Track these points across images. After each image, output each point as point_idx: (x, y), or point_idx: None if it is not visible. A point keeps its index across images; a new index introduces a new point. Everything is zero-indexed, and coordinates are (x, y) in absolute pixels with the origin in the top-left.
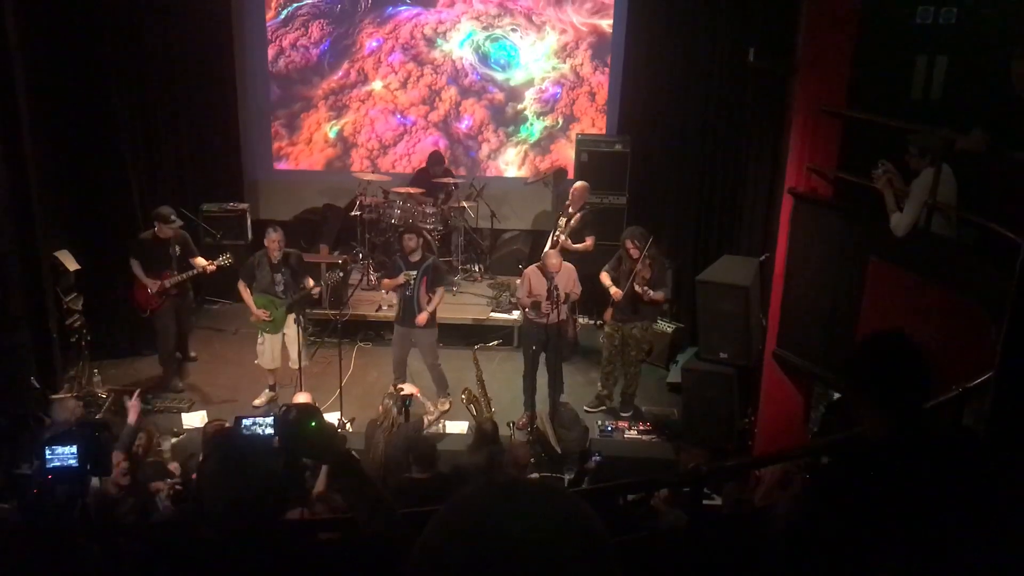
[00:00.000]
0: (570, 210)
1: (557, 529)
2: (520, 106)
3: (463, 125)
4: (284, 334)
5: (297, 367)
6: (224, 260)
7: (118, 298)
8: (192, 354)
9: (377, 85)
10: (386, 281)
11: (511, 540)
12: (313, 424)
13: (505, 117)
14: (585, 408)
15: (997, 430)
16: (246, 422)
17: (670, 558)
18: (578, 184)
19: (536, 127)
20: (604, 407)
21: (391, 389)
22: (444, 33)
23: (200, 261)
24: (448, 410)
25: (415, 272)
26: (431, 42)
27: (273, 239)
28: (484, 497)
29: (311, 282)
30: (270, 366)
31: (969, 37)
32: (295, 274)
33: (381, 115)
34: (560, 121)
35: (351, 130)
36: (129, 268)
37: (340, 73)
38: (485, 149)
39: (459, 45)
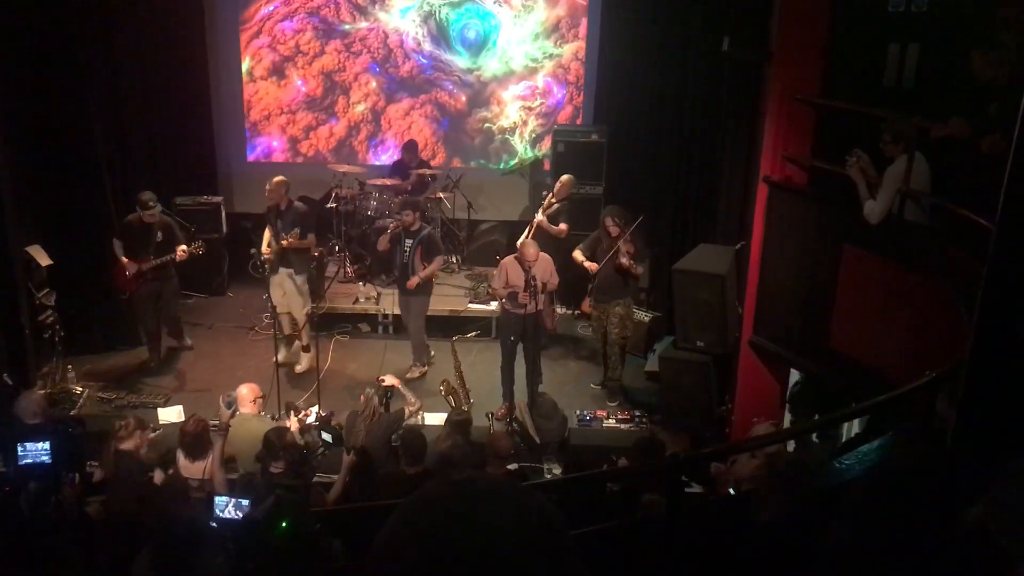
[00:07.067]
0: (552, 199)
1: (514, 525)
2: (499, 122)
3: (380, 160)
4: (281, 281)
5: (297, 316)
6: (196, 248)
7: (92, 293)
8: (188, 341)
9: (242, 68)
10: (382, 238)
11: (467, 537)
12: (284, 525)
13: (467, 140)
14: (592, 384)
15: (968, 415)
16: (219, 504)
17: (651, 545)
18: (564, 177)
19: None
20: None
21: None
22: None
23: (182, 249)
24: (424, 374)
25: (411, 241)
26: (361, 10)
27: (271, 190)
28: (440, 495)
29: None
30: (281, 309)
31: (941, 25)
32: (292, 224)
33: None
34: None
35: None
36: (111, 250)
37: None
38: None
39: (401, 13)
